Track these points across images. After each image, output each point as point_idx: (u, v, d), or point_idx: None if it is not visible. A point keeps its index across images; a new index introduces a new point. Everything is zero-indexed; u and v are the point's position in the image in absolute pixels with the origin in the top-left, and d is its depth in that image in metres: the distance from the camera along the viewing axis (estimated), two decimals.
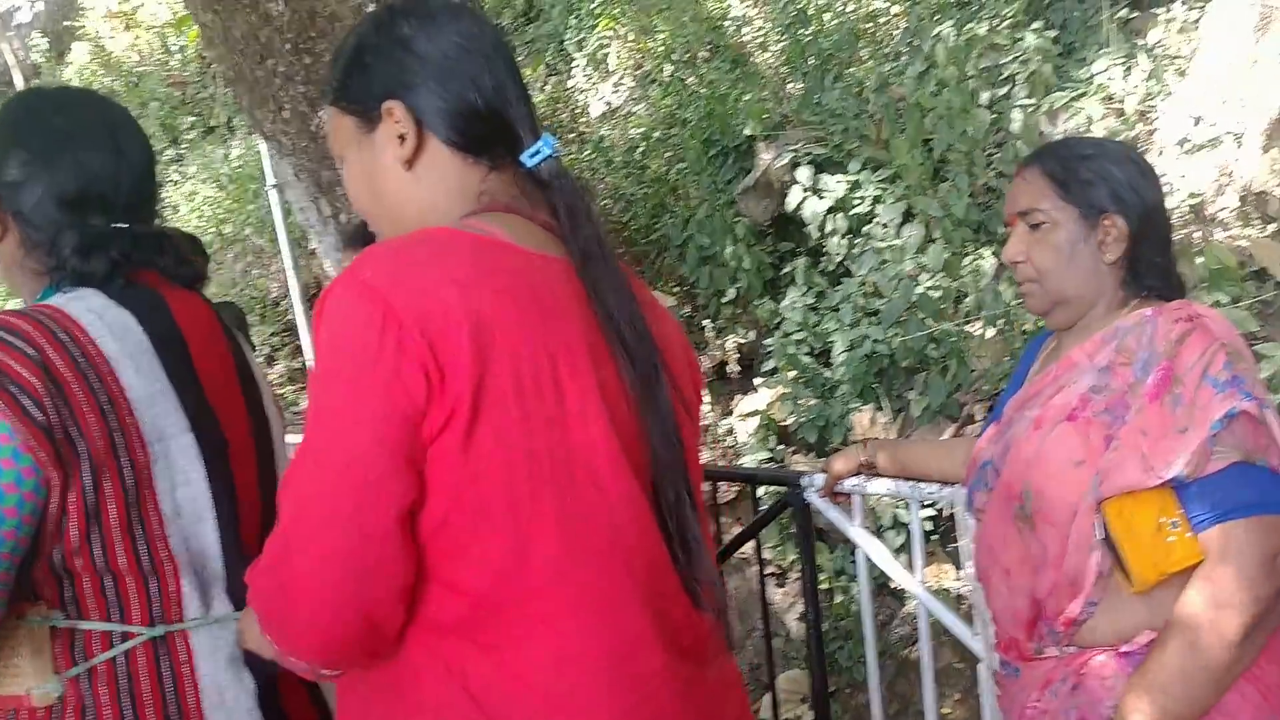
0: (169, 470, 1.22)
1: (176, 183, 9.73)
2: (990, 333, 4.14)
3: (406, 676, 1.01)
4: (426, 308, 0.95)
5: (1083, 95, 4.51)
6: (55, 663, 1.18)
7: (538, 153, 1.12)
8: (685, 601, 1.08)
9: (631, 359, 1.06)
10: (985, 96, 4.66)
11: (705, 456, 4.59)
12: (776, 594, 4.30)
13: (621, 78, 6.95)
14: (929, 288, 4.26)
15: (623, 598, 1.01)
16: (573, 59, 7.23)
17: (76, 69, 12.39)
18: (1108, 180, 1.47)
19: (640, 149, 6.14)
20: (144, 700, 1.20)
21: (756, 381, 4.82)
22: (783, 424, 4.62)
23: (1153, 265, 1.49)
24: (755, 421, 4.61)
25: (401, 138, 1.12)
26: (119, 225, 1.31)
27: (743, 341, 5.07)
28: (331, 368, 0.97)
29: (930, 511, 3.92)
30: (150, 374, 1.22)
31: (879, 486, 2.23)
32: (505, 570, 0.98)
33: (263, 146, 4.43)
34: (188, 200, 9.28)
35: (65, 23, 13.35)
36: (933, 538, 3.95)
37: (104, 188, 1.31)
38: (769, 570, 4.28)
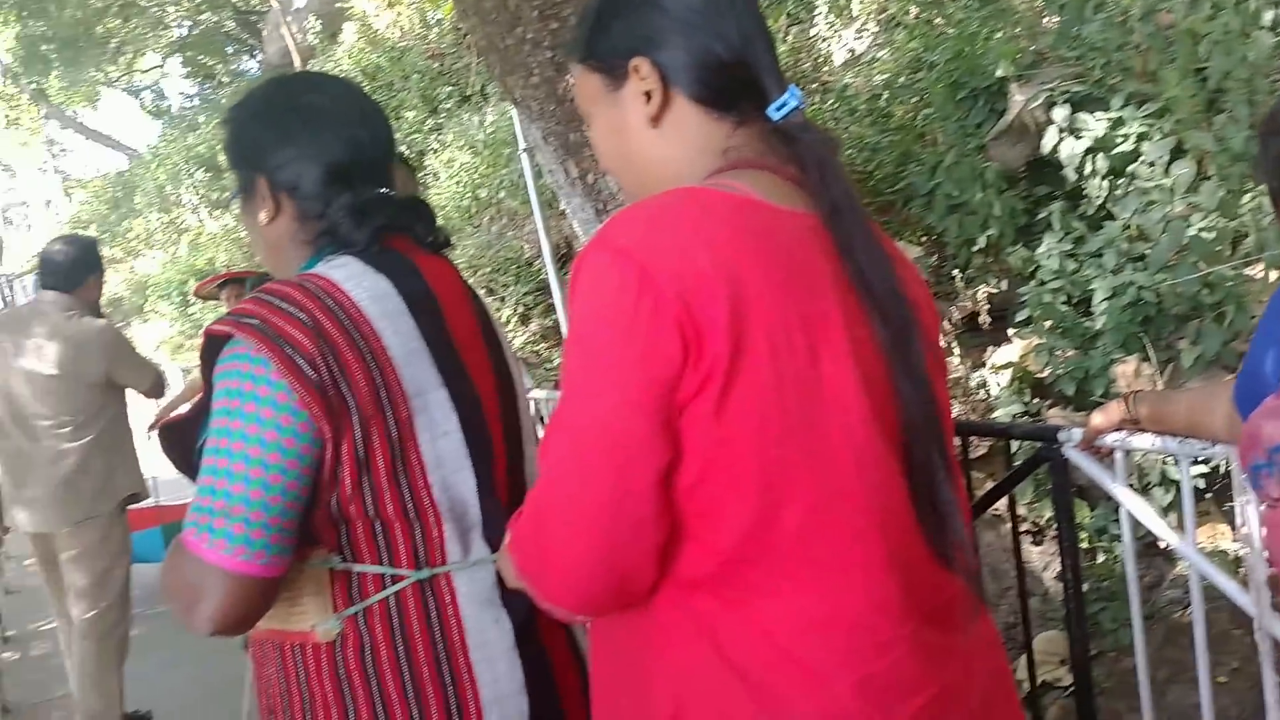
0: (429, 423, 1.30)
1: (435, 150, 10.26)
2: (1274, 276, 3.81)
3: (657, 636, 1.04)
4: (681, 270, 0.95)
5: None
6: (334, 602, 1.29)
7: (784, 105, 1.10)
8: (934, 566, 1.06)
9: (884, 316, 1.04)
10: (1268, 16, 4.24)
11: (955, 410, 4.47)
12: (1033, 553, 4.16)
13: (865, 23, 6.77)
14: (1202, 229, 3.95)
15: (870, 560, 1.01)
16: (814, 6, 7.10)
17: (346, 48, 13.25)
18: None
19: (885, 96, 5.97)
20: (415, 637, 1.29)
21: (1010, 332, 4.64)
22: (1038, 376, 4.43)
23: None
24: (1008, 374, 4.45)
25: (647, 95, 1.12)
26: (384, 192, 1.40)
27: (994, 291, 4.88)
28: (588, 333, 0.99)
29: (1204, 468, 3.67)
30: (407, 334, 1.30)
31: (1143, 442, 2.12)
32: (756, 530, 0.99)
33: (514, 112, 4.61)
34: (446, 167, 9.78)
35: (336, 4, 14.30)
36: (1206, 496, 3.70)
37: (362, 157, 1.38)
38: (1025, 528, 4.14)
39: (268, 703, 1.37)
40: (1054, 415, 4.27)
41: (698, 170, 1.12)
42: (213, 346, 1.26)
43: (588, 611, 1.07)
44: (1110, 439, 2.17)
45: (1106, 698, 3.44)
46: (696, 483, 0.99)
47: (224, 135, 1.44)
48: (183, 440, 1.36)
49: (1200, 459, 3.11)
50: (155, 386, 4.02)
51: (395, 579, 1.30)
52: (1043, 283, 4.43)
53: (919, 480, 1.05)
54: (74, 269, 3.80)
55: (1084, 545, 3.96)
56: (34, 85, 22.16)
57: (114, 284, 16.54)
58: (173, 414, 3.62)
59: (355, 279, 1.30)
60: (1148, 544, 3.77)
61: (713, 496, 0.99)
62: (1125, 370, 4.04)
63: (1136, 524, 2.30)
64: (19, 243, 31.07)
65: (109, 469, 3.77)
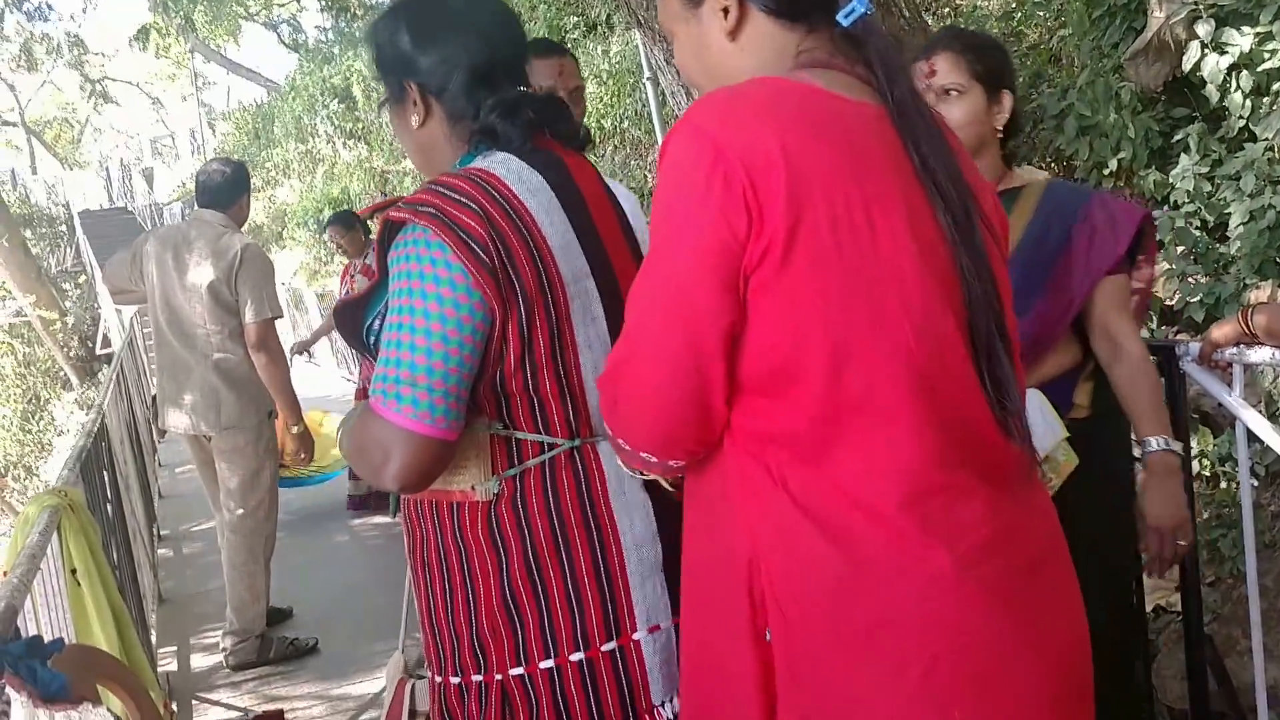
0: (583, 309, 1.42)
1: None
2: None
3: (736, 487, 1.17)
4: (748, 146, 1.06)
5: None
6: (495, 465, 1.43)
7: (852, 11, 1.18)
8: (994, 430, 1.15)
9: (945, 200, 1.13)
10: None
11: None
12: None
13: None
14: None
15: (921, 419, 1.10)
16: None
17: None
18: None
19: (1017, 17, 5.80)
20: (565, 494, 1.44)
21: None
22: (1167, 303, 4.32)
23: None
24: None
25: (725, 10, 1.22)
26: (525, 90, 1.49)
27: None
28: (668, 201, 1.13)
29: None
30: (561, 226, 1.42)
31: (1261, 355, 2.11)
32: (822, 389, 1.10)
33: (639, 38, 4.65)
34: None
35: None
36: None
37: (505, 56, 1.48)
38: None
39: (423, 558, 1.51)
40: (1181, 342, 4.18)
41: (774, 75, 1.20)
42: (390, 232, 1.38)
43: (673, 454, 1.20)
44: (1228, 353, 2.16)
45: (1221, 623, 3.41)
46: (770, 345, 1.11)
47: (371, 47, 1.54)
48: (354, 319, 1.49)
49: None
50: (263, 325, 3.93)
51: (551, 446, 1.43)
52: (1177, 206, 4.30)
53: (979, 351, 1.14)
54: (230, 188, 4.04)
55: (1207, 473, 3.90)
56: (181, 18, 22.96)
57: (254, 212, 17.20)
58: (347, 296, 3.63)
59: (515, 174, 1.41)
60: (1275, 473, 3.69)
61: (785, 357, 1.10)
62: (1259, 296, 3.92)
63: (1265, 452, 2.28)
64: (166, 173, 32.43)
65: (257, 378, 4.01)
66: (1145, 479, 2.04)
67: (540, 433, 1.42)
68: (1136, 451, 2.12)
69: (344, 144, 18.08)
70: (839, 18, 1.18)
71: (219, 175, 4.06)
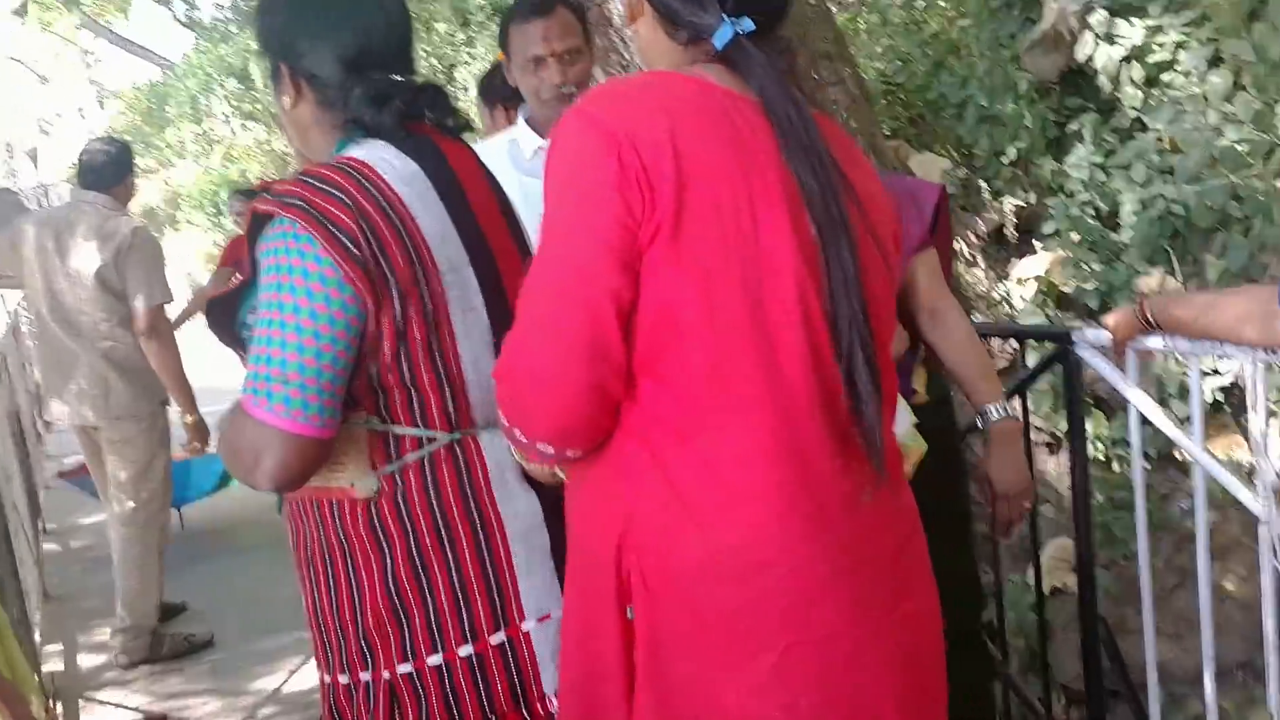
0: (460, 298, 1.39)
1: (467, 63, 10.19)
2: None
3: (614, 466, 1.20)
4: (638, 131, 1.11)
5: None
6: (373, 460, 1.38)
7: (723, 36, 1.19)
8: (846, 432, 1.19)
9: (810, 203, 1.15)
10: None
11: (977, 320, 4.48)
12: (1049, 462, 4.21)
13: None
14: (1236, 141, 3.91)
15: (803, 410, 1.15)
16: None
17: None
18: None
19: (921, 5, 5.89)
20: (446, 488, 1.40)
21: (1036, 245, 4.63)
22: (1062, 290, 4.43)
23: None
24: (1033, 287, 4.45)
25: (633, 11, 1.27)
26: (398, 79, 1.45)
27: (1021, 205, 4.86)
28: (564, 183, 1.15)
29: (1224, 381, 3.69)
30: (436, 214, 1.38)
31: (1155, 342, 2.14)
32: (703, 373, 1.14)
33: None
34: (477, 81, 9.70)
35: None
36: (1224, 409, 3.72)
37: (378, 44, 1.44)
38: (1044, 439, 4.19)
39: (306, 555, 1.47)
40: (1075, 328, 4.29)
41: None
42: (257, 225, 1.34)
43: (571, 443, 1.19)
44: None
45: (1115, 603, 3.51)
46: (653, 325, 1.13)
47: (254, 24, 1.51)
48: (226, 314, 1.43)
49: (1217, 370, 3.14)
50: (154, 311, 3.79)
51: (430, 440, 1.40)
52: (1071, 195, 4.41)
53: (839, 352, 1.16)
54: (114, 168, 3.87)
55: (1101, 457, 4.01)
56: None
57: (147, 194, 16.63)
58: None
59: (386, 161, 1.37)
60: (1165, 456, 3.81)
61: (667, 338, 1.14)
62: (1150, 284, 4.04)
63: (1155, 435, 2.33)
64: (54, 153, 31.23)
65: (149, 366, 3.87)
66: (990, 447, 2.10)
67: (419, 426, 1.39)
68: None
69: (242, 125, 17.60)
70: (713, 41, 1.20)
71: (102, 155, 3.88)
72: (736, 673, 1.15)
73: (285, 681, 3.65)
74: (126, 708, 3.63)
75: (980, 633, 2.41)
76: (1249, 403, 2.14)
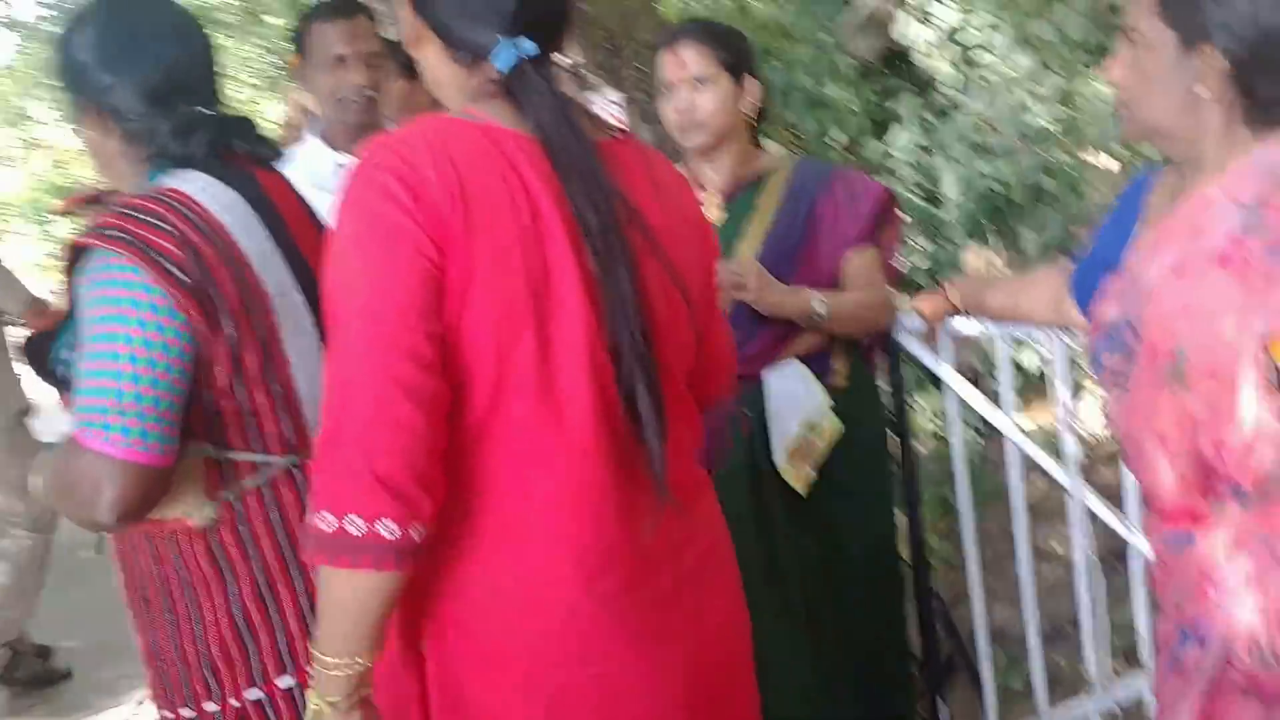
0: (290, 321, 1.41)
1: None
2: (1116, 166, 3.95)
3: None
4: (425, 181, 1.09)
5: None
6: (208, 489, 1.38)
7: (504, 59, 1.18)
8: (637, 457, 1.20)
9: (589, 237, 1.14)
10: None
11: None
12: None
13: None
14: (1050, 121, 4.05)
15: (589, 447, 1.16)
16: None
17: None
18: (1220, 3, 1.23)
19: None
20: (287, 510, 1.41)
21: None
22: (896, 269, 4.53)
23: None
24: None
25: (418, 35, 1.26)
26: (204, 111, 1.46)
27: None
28: (356, 237, 1.11)
29: (1043, 354, 3.83)
30: (260, 240, 1.40)
31: (965, 326, 2.23)
32: (484, 410, 1.14)
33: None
34: None
35: None
36: (1038, 380, 3.87)
37: (181, 76, 1.45)
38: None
39: (140, 594, 1.45)
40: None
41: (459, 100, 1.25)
42: (76, 258, 1.33)
43: (419, 496, 1.09)
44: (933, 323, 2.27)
45: (957, 571, 3.62)
46: (455, 362, 1.12)
47: (55, 58, 1.48)
48: (42, 350, 1.43)
49: (1023, 341, 3.26)
50: (26, 308, 3.79)
51: (266, 464, 1.42)
52: (895, 174, 4.50)
53: (622, 383, 1.17)
54: None
55: (935, 432, 4.13)
56: None
57: None
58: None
59: (205, 191, 1.40)
60: (994, 429, 3.93)
61: (459, 382, 1.13)
62: (973, 259, 4.16)
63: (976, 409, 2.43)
64: None
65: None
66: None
67: (255, 451, 1.41)
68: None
69: (71, 130, 16.79)
70: (495, 64, 1.19)
71: None
72: (513, 712, 1.18)
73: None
74: None
75: (903, 612, 2.48)
76: (1057, 378, 2.23)
